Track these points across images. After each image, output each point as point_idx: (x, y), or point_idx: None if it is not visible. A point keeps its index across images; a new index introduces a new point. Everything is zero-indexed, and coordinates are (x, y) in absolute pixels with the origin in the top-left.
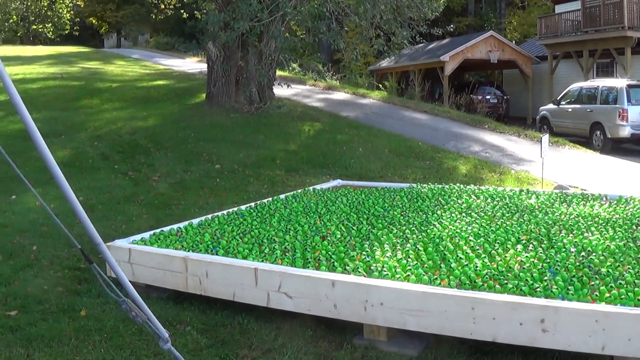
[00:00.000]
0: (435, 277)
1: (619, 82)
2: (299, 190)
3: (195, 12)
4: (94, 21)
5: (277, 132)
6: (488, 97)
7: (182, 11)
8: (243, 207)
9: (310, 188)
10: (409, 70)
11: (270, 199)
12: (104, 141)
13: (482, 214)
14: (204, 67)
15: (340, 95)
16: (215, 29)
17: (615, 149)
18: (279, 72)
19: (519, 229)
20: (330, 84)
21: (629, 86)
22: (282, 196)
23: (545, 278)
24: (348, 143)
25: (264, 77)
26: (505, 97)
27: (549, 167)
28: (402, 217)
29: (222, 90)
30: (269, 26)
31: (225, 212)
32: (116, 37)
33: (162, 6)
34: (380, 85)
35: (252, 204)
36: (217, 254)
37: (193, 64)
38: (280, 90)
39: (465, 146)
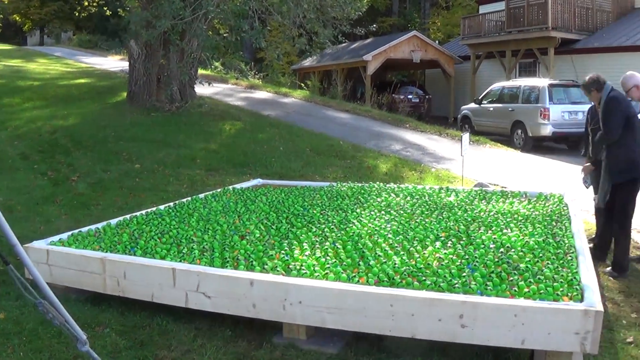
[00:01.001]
0: (353, 275)
1: (541, 82)
2: (219, 190)
3: (119, 9)
4: (17, 18)
5: (198, 131)
6: (410, 96)
7: (105, 9)
8: (162, 207)
9: (230, 187)
10: (331, 70)
11: (189, 198)
12: (24, 141)
13: (402, 212)
14: (126, 65)
15: (262, 94)
16: (138, 27)
17: (537, 147)
18: (201, 71)
19: (438, 226)
20: (252, 83)
21: (551, 85)
22: (202, 196)
23: (464, 274)
24: (269, 142)
25: (185, 76)
26: (427, 97)
27: (469, 165)
28: (321, 216)
29: (144, 89)
30: (192, 24)
31: (144, 212)
32: (39, 35)
33: (86, 3)
34: (303, 85)
35: (171, 203)
36: (135, 255)
37: (115, 62)
38: (201, 89)
39: (386, 145)
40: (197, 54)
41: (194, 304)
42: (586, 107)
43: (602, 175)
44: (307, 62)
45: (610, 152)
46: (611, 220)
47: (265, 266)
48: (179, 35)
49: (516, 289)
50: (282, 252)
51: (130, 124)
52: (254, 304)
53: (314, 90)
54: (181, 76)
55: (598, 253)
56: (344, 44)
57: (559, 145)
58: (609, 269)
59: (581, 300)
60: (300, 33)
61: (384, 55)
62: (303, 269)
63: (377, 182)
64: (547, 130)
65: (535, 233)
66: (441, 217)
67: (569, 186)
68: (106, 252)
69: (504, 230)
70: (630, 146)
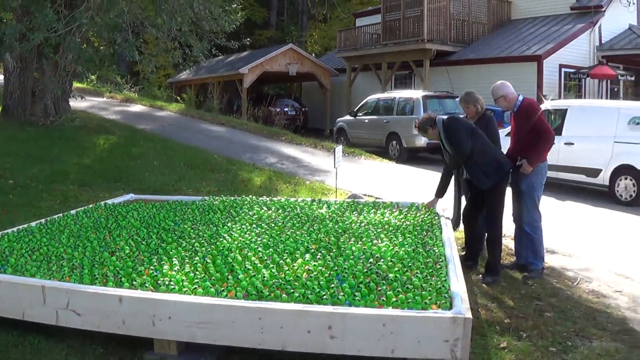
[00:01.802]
0: (222, 289)
1: (415, 94)
2: (91, 206)
3: None
4: None
5: (72, 145)
6: (286, 109)
7: None
8: (33, 224)
9: (102, 203)
10: (208, 83)
11: (61, 214)
12: None
13: (273, 225)
14: (0, 78)
15: (137, 108)
16: (12, 40)
17: (411, 158)
18: (76, 84)
19: (309, 238)
20: (128, 96)
21: (425, 97)
22: (73, 212)
23: (333, 285)
24: (143, 156)
25: (59, 89)
26: (303, 109)
27: (344, 177)
28: (192, 231)
29: (18, 103)
30: (65, 37)
31: (15, 229)
32: None
33: None
34: (179, 98)
35: (43, 220)
36: (5, 273)
37: None
38: (77, 103)
39: (262, 158)
40: (71, 67)
41: (65, 321)
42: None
43: (457, 198)
44: (184, 75)
45: (472, 165)
46: (479, 227)
47: (134, 282)
48: (53, 49)
49: (384, 298)
50: (152, 267)
51: (5, 138)
52: (124, 320)
53: (190, 103)
54: (55, 90)
55: (470, 261)
56: (220, 57)
57: (434, 155)
58: (482, 275)
59: (450, 308)
60: (175, 46)
61: (260, 68)
62: (172, 285)
63: (250, 196)
64: (421, 141)
65: (406, 243)
66: (312, 230)
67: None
68: None
69: (374, 241)
70: (487, 151)
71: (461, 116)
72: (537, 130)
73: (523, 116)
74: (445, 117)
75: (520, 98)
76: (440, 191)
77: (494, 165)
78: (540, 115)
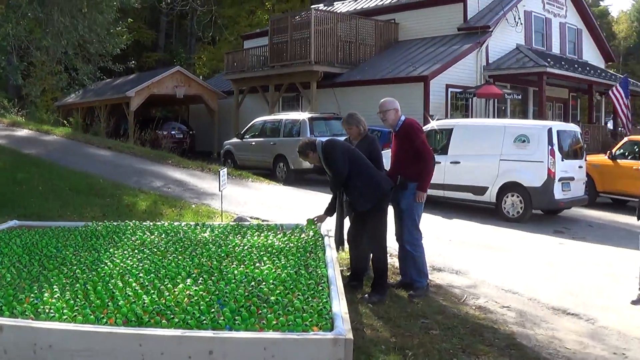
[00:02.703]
0: (102, 316)
1: (301, 115)
2: None
3: None
4: None
5: None
6: (173, 132)
7: None
8: None
9: None
10: (95, 106)
11: None
12: None
13: (155, 250)
14: None
15: (24, 132)
16: None
17: (299, 180)
18: None
19: (191, 262)
20: (14, 120)
21: (312, 119)
22: None
23: (213, 310)
24: (28, 182)
25: None
26: (191, 132)
27: (231, 200)
28: (74, 257)
29: None
30: None
31: None
32: None
33: None
34: (66, 122)
35: None
36: None
37: None
38: None
39: (147, 182)
40: None
41: None
42: None
43: (338, 220)
44: (71, 99)
45: (350, 187)
46: (364, 248)
47: (15, 311)
48: None
49: (265, 322)
50: (32, 295)
51: None
52: (5, 349)
53: (77, 127)
54: None
55: (355, 281)
56: (108, 80)
57: (321, 177)
58: (367, 295)
59: (331, 329)
60: (60, 69)
61: (147, 91)
62: (52, 313)
63: (134, 221)
64: (308, 163)
65: (288, 265)
66: (194, 254)
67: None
68: None
69: (257, 264)
70: (365, 173)
71: (343, 138)
72: (417, 151)
73: (404, 136)
74: (324, 139)
75: (403, 118)
76: (330, 210)
77: (372, 187)
78: (422, 137)
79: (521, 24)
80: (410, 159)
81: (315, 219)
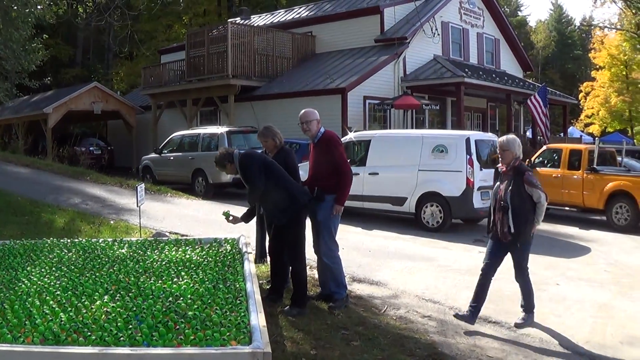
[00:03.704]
0: (20, 335)
1: (219, 129)
2: None
3: None
4: None
5: None
6: (92, 148)
7: None
8: None
9: None
10: (12, 123)
11: None
12: None
13: (73, 267)
14: None
15: None
16: None
17: (218, 194)
18: None
19: (109, 279)
20: None
21: (230, 132)
22: None
23: (130, 326)
24: None
25: None
26: (109, 148)
27: (150, 215)
28: None
29: None
30: None
31: None
32: None
33: None
34: None
35: None
36: None
37: None
38: None
39: (65, 199)
40: None
41: None
42: None
43: (259, 231)
44: None
45: (267, 200)
46: (283, 260)
47: None
48: None
49: (183, 337)
50: None
51: None
52: None
53: None
54: None
55: (275, 294)
56: (25, 97)
57: (240, 190)
58: (287, 308)
59: (249, 343)
60: None
61: (65, 107)
62: None
63: (52, 238)
64: (227, 176)
65: (206, 279)
66: (112, 270)
67: (246, 230)
68: None
69: (175, 279)
70: (281, 186)
71: (260, 151)
72: (336, 164)
73: (323, 147)
74: (243, 152)
75: (322, 130)
76: (246, 217)
77: (289, 200)
78: (340, 149)
79: (438, 34)
80: (328, 171)
81: (230, 217)
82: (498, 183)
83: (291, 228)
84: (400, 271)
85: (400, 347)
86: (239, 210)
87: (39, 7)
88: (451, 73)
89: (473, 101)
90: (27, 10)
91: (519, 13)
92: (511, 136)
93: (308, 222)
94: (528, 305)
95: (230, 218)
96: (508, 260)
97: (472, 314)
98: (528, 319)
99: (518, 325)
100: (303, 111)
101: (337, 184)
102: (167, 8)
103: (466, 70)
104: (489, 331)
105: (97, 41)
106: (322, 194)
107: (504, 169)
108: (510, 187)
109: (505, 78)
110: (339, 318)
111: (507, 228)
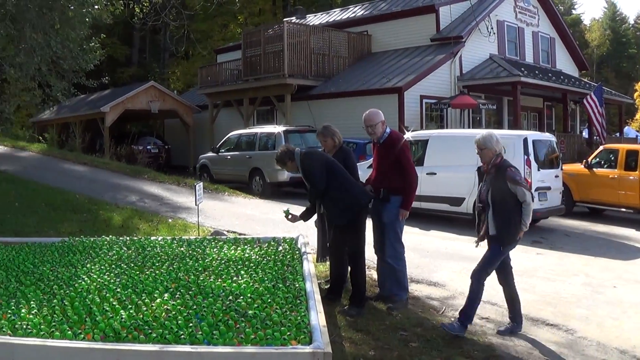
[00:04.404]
0: (80, 331)
1: (276, 128)
2: None
3: None
4: None
5: None
6: (149, 147)
7: None
8: None
9: None
10: (70, 122)
11: None
12: None
13: (132, 265)
14: None
15: None
16: None
17: (275, 193)
18: None
19: (168, 277)
20: None
21: (287, 132)
22: None
23: (191, 324)
24: (4, 198)
25: None
26: (166, 147)
27: (207, 214)
28: (51, 273)
29: None
30: None
31: None
32: None
33: None
34: (41, 138)
35: None
36: None
37: None
38: None
39: (123, 197)
40: None
41: None
42: None
43: (320, 230)
44: (46, 115)
45: (327, 200)
46: (342, 261)
47: None
48: None
49: (243, 336)
50: (9, 311)
51: None
52: None
53: (52, 143)
54: None
55: (333, 294)
56: (82, 96)
57: (297, 190)
58: (346, 308)
59: (309, 342)
60: (34, 86)
61: (122, 106)
62: (29, 329)
63: (111, 236)
64: (284, 176)
65: (266, 279)
66: (172, 268)
67: (304, 230)
68: None
69: (234, 278)
70: (342, 185)
71: (320, 150)
72: (402, 167)
73: (388, 148)
74: (304, 150)
75: (388, 130)
76: (305, 215)
77: (349, 200)
78: (407, 152)
79: (494, 33)
80: (393, 172)
81: (290, 215)
82: (481, 184)
83: (351, 228)
84: (458, 272)
85: (459, 349)
86: (297, 210)
87: (95, 7)
88: (507, 72)
89: (529, 100)
90: (84, 10)
91: (573, 11)
92: (486, 132)
93: (368, 223)
94: (467, 313)
95: (290, 216)
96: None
97: (518, 322)
98: (457, 327)
99: (450, 327)
100: (367, 113)
101: (402, 186)
102: (222, 7)
103: (522, 69)
104: (547, 334)
105: (153, 41)
106: (388, 195)
107: (486, 167)
108: (490, 186)
109: (561, 77)
110: (397, 319)
111: (486, 230)
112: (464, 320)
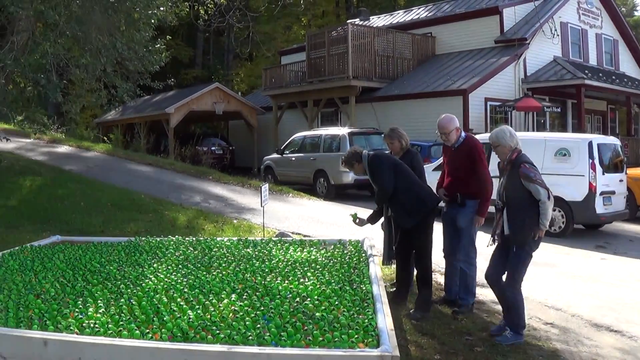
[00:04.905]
0: (147, 331)
1: (341, 130)
2: (16, 248)
3: None
4: None
5: None
6: (213, 148)
7: None
8: None
9: (28, 245)
10: (134, 123)
11: None
12: None
13: (199, 265)
14: None
15: (64, 149)
16: None
17: (340, 195)
18: (2, 125)
19: (235, 278)
20: (54, 137)
21: (351, 133)
22: None
23: (259, 326)
24: (70, 197)
25: None
26: (230, 148)
27: (272, 215)
28: (118, 272)
29: None
30: None
31: None
32: None
33: None
34: (106, 138)
35: None
36: None
37: None
38: (3, 144)
39: (187, 197)
40: None
41: None
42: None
43: (386, 233)
44: (110, 115)
45: (394, 203)
46: (409, 264)
47: (59, 325)
48: None
49: (311, 338)
50: (77, 310)
51: None
52: None
53: (117, 143)
54: None
55: (398, 297)
56: (147, 97)
57: (362, 192)
58: (411, 311)
59: (377, 346)
60: (100, 87)
61: (186, 108)
62: (97, 327)
63: (177, 236)
64: (348, 178)
65: (332, 281)
66: (238, 269)
67: (369, 232)
68: None
69: (301, 280)
70: (410, 188)
71: (386, 152)
72: (478, 173)
73: (464, 154)
74: (371, 152)
75: (463, 135)
76: (372, 218)
77: (417, 204)
78: (483, 159)
79: (557, 35)
80: (468, 177)
81: (357, 219)
82: (500, 181)
83: (418, 231)
84: (525, 277)
85: (524, 354)
86: (363, 213)
87: (161, 8)
88: (571, 75)
89: (592, 103)
90: (149, 12)
91: (635, 13)
92: (498, 129)
93: (436, 226)
94: (511, 322)
95: (357, 220)
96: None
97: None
98: (511, 337)
99: (493, 332)
100: (441, 120)
101: (478, 191)
102: (286, 9)
103: (586, 71)
104: (610, 340)
105: (217, 42)
106: (464, 199)
107: (502, 164)
108: (505, 183)
109: (625, 80)
110: (462, 323)
111: (501, 229)
112: (516, 330)
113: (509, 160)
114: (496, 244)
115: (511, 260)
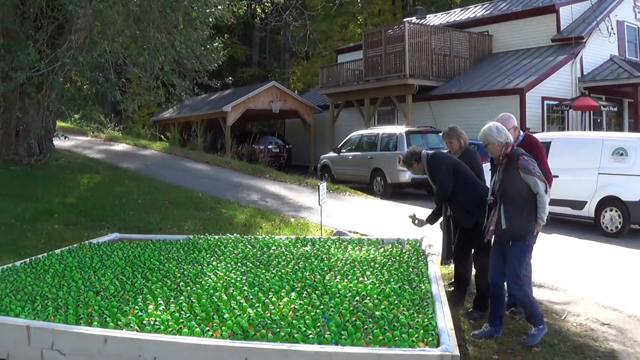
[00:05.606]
0: (207, 328)
1: (398, 129)
2: (75, 245)
3: None
4: None
5: (56, 184)
6: (270, 146)
7: None
8: (17, 264)
9: (87, 242)
10: (191, 121)
11: (45, 254)
12: None
13: (258, 263)
14: None
15: (121, 147)
16: None
17: (396, 194)
18: (60, 123)
19: (294, 276)
20: (111, 135)
21: (408, 132)
22: (58, 251)
23: (319, 324)
24: (127, 195)
25: (41, 129)
26: (287, 146)
27: (329, 214)
28: (177, 270)
29: (2, 142)
30: (48, 76)
31: None
32: None
33: None
34: (163, 136)
35: (27, 259)
36: None
37: None
38: (61, 142)
39: (245, 195)
40: (54, 106)
41: None
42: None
43: (445, 232)
44: (167, 114)
45: (454, 202)
46: (467, 263)
47: (119, 322)
48: (35, 88)
49: (371, 337)
50: (137, 307)
51: None
52: None
53: (173, 141)
54: (37, 129)
55: (457, 297)
56: (204, 95)
57: (419, 191)
58: (470, 311)
59: (437, 345)
60: (157, 85)
61: (243, 106)
62: (157, 324)
63: (235, 234)
64: (406, 176)
65: (391, 280)
66: (297, 268)
67: (427, 231)
68: None
69: (360, 279)
70: (469, 187)
71: (445, 151)
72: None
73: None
74: (430, 152)
75: (522, 134)
76: (431, 218)
77: (477, 202)
78: (544, 157)
79: (614, 34)
80: None
81: (416, 221)
82: (494, 176)
83: (477, 230)
84: (579, 277)
85: (581, 355)
86: (422, 213)
87: (219, 7)
88: (628, 74)
89: None
90: (207, 11)
91: None
92: (485, 127)
93: None
94: (530, 319)
95: (416, 221)
96: None
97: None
98: (537, 333)
99: (531, 339)
100: (499, 119)
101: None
102: (342, 8)
103: None
104: None
105: (273, 41)
106: None
107: (497, 160)
108: (501, 177)
109: None
110: (520, 323)
111: (495, 226)
112: (538, 323)
113: (505, 155)
114: (492, 240)
115: (512, 257)
